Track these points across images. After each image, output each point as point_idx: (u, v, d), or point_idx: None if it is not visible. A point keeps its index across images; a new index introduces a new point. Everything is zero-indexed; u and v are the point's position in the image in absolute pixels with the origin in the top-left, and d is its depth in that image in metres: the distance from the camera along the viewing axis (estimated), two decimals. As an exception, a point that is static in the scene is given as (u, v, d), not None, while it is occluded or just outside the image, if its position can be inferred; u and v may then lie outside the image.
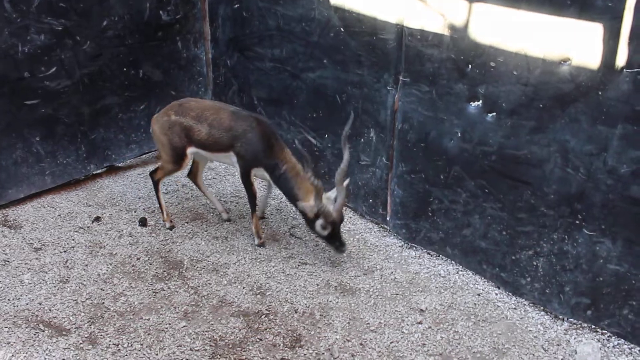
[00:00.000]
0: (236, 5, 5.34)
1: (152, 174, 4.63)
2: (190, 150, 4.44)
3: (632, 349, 3.59)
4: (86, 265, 4.17)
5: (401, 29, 4.16)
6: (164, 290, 3.96)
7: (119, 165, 5.50)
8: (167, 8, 5.34)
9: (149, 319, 3.71)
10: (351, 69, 4.59)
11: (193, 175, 4.82)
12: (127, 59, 5.21)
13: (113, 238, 4.48)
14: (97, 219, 4.68)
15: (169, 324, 3.68)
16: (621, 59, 3.27)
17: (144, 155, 5.66)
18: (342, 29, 4.55)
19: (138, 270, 4.14)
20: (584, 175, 3.54)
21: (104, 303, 3.82)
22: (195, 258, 4.31)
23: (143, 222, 4.66)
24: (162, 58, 5.49)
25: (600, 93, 3.38)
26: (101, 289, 3.94)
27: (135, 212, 4.83)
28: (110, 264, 4.18)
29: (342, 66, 4.65)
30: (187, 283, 4.04)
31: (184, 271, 4.16)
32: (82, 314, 3.72)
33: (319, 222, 4.09)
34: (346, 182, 4.11)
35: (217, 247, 4.45)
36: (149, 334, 3.59)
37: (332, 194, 4.15)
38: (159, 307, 3.81)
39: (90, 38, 4.89)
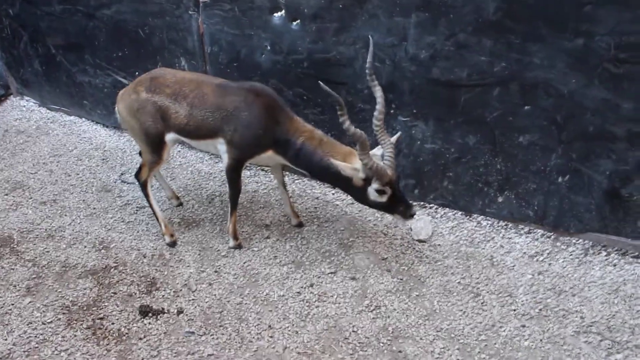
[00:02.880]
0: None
1: (137, 175, 3.82)
2: (170, 137, 3.61)
3: (455, 214, 4.02)
4: None
5: (189, -52, 4.00)
6: (-2, 271, 3.70)
7: None
8: None
9: (-13, 305, 3.46)
10: (148, -1, 4.36)
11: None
12: None
13: None
14: None
15: (12, 304, 3.45)
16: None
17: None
18: (127, -43, 4.28)
19: (-38, 257, 3.80)
20: (391, 66, 3.73)
21: None
22: (25, 229, 4.03)
23: (-44, 205, 4.24)
24: None
25: (391, -15, 3.52)
26: None
27: (-56, 195, 4.37)
28: None
29: (138, -3, 4.40)
30: (22, 257, 3.79)
31: (15, 246, 3.88)
32: None
33: (372, 187, 3.16)
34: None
35: (46, 213, 4.18)
36: (-9, 320, 3.36)
37: (376, 150, 3.25)
38: (-4, 289, 3.57)
39: None
